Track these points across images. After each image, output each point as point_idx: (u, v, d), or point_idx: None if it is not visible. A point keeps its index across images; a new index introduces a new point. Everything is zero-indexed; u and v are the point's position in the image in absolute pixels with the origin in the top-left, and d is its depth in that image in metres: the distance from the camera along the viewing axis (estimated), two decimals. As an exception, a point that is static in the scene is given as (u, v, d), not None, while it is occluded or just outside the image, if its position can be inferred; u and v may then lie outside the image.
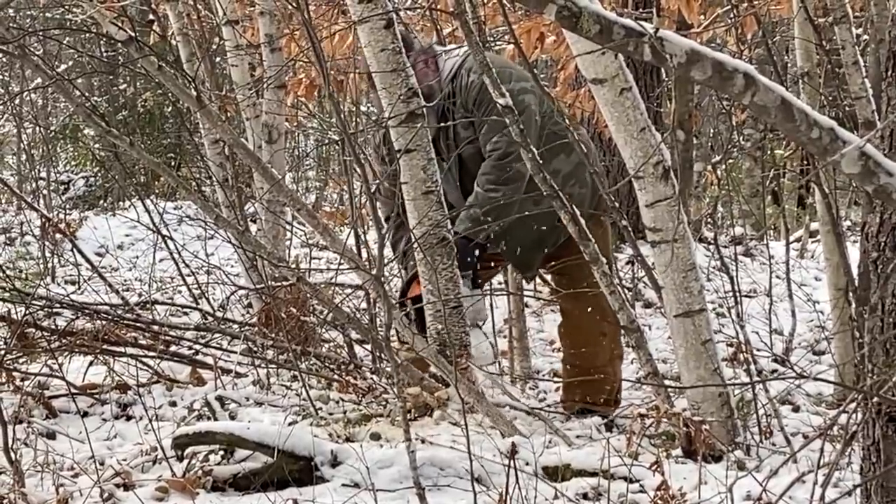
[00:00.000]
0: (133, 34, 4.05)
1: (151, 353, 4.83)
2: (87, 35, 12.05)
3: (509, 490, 3.04)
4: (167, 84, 4.20)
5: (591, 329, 4.45)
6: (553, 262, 4.50)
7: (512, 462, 3.08)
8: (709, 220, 8.60)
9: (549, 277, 4.85)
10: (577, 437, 4.01)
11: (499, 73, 3.75)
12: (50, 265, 7.91)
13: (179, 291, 6.92)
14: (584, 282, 4.30)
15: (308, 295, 4.73)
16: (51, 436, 4.08)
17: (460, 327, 4.19)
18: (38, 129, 11.68)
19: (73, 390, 4.45)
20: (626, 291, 5.47)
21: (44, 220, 7.86)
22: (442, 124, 4.35)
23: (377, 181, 4.50)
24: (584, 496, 3.47)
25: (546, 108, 4.35)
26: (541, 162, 3.73)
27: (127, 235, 9.19)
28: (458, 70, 4.34)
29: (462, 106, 4.31)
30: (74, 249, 7.35)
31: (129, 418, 4.38)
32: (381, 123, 4.29)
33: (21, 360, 4.77)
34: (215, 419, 4.13)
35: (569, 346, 4.56)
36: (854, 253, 4.69)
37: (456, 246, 4.23)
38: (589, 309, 4.41)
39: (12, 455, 3.51)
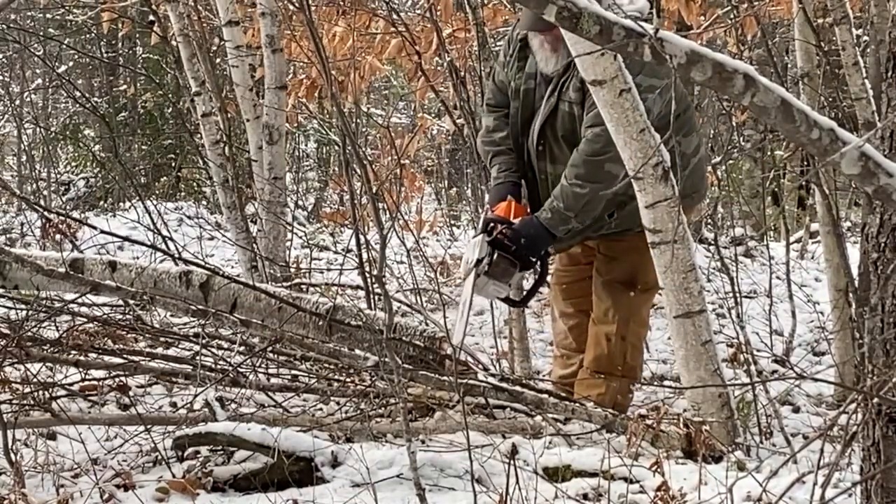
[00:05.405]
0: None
1: (154, 363, 4.81)
2: (88, 35, 12.06)
3: (509, 490, 3.04)
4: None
5: (613, 328, 4.28)
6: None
7: (512, 462, 3.08)
8: (709, 220, 8.60)
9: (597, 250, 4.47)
10: (578, 437, 4.01)
11: (629, 64, 3.56)
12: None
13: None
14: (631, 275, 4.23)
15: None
16: (51, 436, 4.07)
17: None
18: (38, 129, 11.68)
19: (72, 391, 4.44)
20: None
21: (44, 220, 7.85)
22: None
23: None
24: (585, 497, 3.47)
25: (684, 115, 4.18)
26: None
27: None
28: None
29: (579, 81, 3.91)
30: (75, 251, 7.33)
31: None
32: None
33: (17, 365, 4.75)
34: (215, 419, 4.13)
35: (586, 342, 4.38)
36: (854, 254, 4.70)
37: (529, 238, 4.03)
38: (617, 307, 4.26)
39: (12, 456, 3.51)
